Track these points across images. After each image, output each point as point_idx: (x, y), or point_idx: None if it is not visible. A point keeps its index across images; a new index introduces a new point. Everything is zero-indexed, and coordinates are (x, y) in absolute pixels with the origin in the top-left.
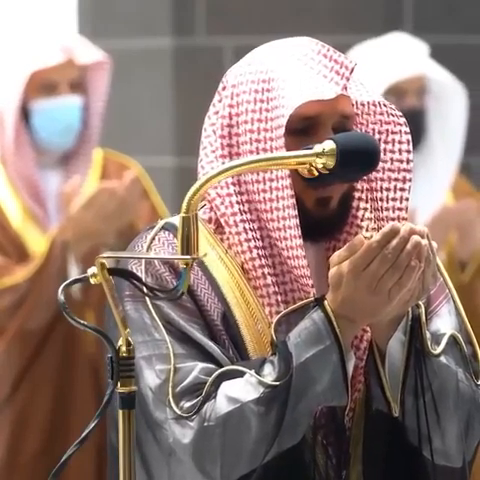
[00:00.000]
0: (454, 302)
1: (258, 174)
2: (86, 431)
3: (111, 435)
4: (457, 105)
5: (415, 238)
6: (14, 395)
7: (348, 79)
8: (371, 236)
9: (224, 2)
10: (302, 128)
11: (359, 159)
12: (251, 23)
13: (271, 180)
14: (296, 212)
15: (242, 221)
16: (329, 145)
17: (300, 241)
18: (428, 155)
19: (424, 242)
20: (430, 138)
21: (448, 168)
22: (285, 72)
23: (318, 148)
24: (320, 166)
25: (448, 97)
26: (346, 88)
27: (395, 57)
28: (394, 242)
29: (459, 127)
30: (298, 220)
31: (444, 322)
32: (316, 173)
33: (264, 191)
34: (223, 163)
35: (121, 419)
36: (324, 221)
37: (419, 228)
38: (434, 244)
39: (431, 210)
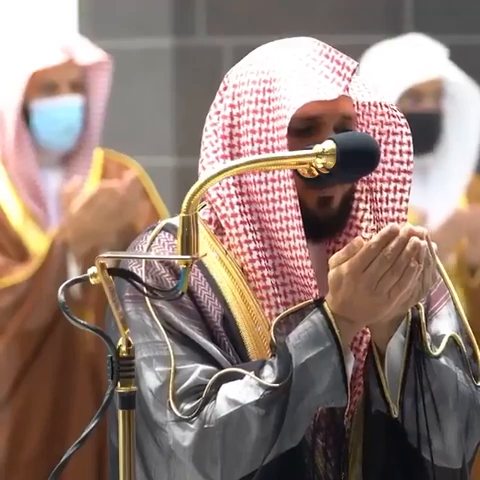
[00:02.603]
0: (454, 303)
1: (260, 174)
2: (86, 431)
3: (112, 435)
4: (474, 108)
5: (414, 239)
6: (14, 395)
7: (350, 80)
8: (370, 237)
9: (224, 2)
10: (304, 128)
11: (359, 159)
12: (251, 23)
13: (273, 180)
14: (299, 213)
15: (242, 222)
16: (329, 145)
17: (304, 241)
18: (443, 158)
19: (423, 243)
20: (446, 141)
21: (463, 171)
22: (287, 72)
23: (318, 148)
24: (320, 166)
25: (465, 100)
26: (348, 89)
27: (413, 59)
28: (393, 243)
29: (476, 130)
30: (301, 221)
31: (444, 323)
32: (316, 173)
33: (266, 192)
34: (224, 163)
35: (121, 419)
36: (326, 221)
37: (418, 229)
38: (434, 245)
39: (444, 213)
